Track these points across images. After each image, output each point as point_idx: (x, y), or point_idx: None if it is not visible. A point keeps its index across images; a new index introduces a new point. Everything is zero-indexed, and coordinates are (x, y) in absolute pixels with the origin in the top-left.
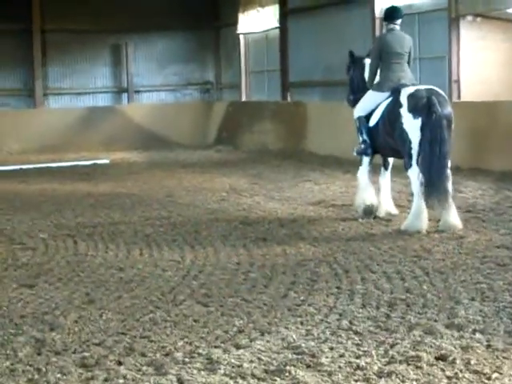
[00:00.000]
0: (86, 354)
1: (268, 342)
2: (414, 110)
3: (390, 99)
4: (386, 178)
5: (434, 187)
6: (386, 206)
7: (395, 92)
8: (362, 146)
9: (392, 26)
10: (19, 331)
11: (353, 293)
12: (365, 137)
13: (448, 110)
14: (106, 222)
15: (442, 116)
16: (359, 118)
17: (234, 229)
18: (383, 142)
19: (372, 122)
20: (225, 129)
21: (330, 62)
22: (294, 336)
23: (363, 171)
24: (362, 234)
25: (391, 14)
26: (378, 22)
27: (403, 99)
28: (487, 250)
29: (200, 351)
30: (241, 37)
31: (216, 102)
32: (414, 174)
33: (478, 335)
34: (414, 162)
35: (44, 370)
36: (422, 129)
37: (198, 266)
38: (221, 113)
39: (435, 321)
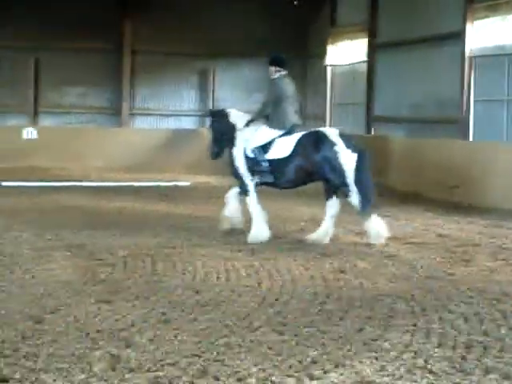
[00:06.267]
0: (160, 374)
1: (341, 374)
2: (351, 147)
3: (300, 138)
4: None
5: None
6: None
7: (310, 132)
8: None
9: (284, 72)
10: (95, 346)
11: (429, 331)
12: (265, 163)
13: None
14: (185, 243)
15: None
16: (256, 149)
17: (313, 259)
18: (293, 173)
19: (277, 155)
20: None
21: (416, 98)
22: (368, 371)
23: (254, 198)
24: (440, 273)
25: (285, 61)
26: (467, 61)
27: (335, 138)
28: None
29: (273, 379)
30: (328, 68)
31: None
32: (355, 199)
33: None
34: (352, 187)
35: None
36: (357, 161)
37: (275, 294)
38: None
39: None
